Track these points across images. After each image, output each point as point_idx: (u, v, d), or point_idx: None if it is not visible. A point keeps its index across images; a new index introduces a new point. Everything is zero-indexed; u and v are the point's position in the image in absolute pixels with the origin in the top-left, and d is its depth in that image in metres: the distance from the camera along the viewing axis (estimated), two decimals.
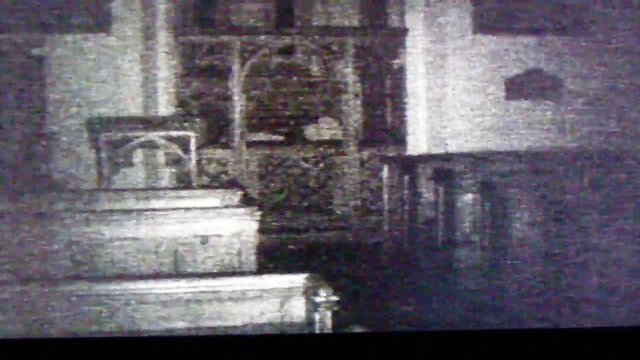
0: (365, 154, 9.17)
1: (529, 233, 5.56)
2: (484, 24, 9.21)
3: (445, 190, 6.79)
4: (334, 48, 9.18)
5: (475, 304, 5.92)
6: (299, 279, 3.51)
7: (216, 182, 8.67)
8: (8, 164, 7.42)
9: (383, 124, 9.43)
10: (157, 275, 4.55)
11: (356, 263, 7.93)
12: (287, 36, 9.20)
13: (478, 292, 6.10)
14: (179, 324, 3.41)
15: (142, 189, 7.64)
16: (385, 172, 8.22)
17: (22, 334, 3.25)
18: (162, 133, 7.84)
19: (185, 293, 3.43)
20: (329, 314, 3.33)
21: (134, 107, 8.55)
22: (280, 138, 9.45)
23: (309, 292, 3.42)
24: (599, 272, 5.14)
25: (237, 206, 5.46)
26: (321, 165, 9.18)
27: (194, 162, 7.81)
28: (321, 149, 9.25)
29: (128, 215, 4.99)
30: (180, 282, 3.51)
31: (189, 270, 4.83)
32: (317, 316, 3.33)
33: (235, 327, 3.44)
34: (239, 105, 9.00)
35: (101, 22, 8.50)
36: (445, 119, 9.16)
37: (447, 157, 8.11)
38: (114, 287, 3.40)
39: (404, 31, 9.21)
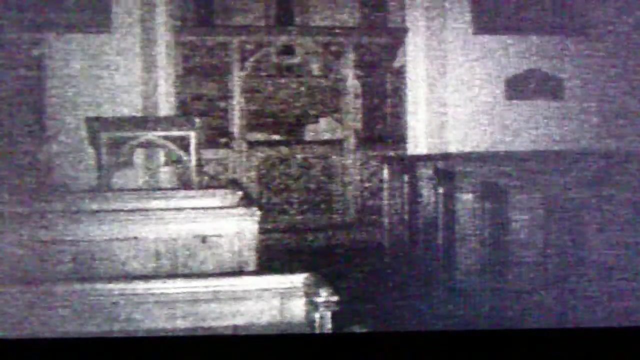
0: (365, 154, 9.16)
1: (529, 233, 5.56)
2: (484, 24, 9.20)
3: (445, 190, 6.79)
4: (334, 48, 9.18)
5: (475, 304, 5.91)
6: (299, 279, 3.51)
7: (216, 182, 8.66)
8: (8, 164, 7.41)
9: (383, 124, 9.43)
10: (157, 275, 4.55)
11: (356, 263, 7.92)
12: (287, 36, 9.20)
13: (478, 292, 6.09)
14: (179, 324, 3.40)
15: (142, 189, 7.65)
16: (385, 172, 8.22)
17: (22, 334, 3.25)
18: (162, 133, 7.84)
19: (185, 293, 3.43)
20: (329, 314, 3.33)
21: (134, 107, 8.54)
22: (280, 138, 9.44)
23: (309, 292, 3.42)
24: (599, 272, 5.13)
25: (237, 206, 5.45)
26: (321, 165, 9.18)
27: (194, 162, 7.81)
28: (321, 149, 9.24)
29: (128, 215, 4.99)
30: (180, 282, 3.50)
31: (189, 270, 4.83)
32: (317, 316, 3.33)
33: (235, 327, 3.43)
34: (239, 105, 9.00)
35: (101, 22, 8.49)
36: (445, 118, 9.15)
37: (447, 157, 8.11)
38: (114, 287, 3.40)
39: (404, 31, 9.21)
